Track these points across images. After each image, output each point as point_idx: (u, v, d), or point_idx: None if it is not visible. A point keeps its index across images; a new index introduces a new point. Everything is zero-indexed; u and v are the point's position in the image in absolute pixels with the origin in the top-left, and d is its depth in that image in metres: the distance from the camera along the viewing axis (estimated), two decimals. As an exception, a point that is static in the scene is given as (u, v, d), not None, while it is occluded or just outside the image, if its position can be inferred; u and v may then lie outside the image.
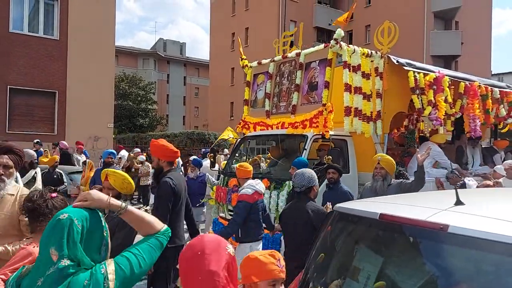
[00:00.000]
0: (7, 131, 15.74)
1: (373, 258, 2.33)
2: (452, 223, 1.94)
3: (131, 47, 54.98)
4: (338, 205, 2.76)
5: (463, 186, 6.50)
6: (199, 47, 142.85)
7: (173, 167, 4.40)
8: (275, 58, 8.07)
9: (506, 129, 9.59)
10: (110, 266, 1.66)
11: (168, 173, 4.25)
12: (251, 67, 8.71)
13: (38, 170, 8.13)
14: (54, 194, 2.52)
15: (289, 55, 7.74)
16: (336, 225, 2.68)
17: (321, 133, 6.56)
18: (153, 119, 41.75)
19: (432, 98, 7.03)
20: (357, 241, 2.54)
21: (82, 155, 13.61)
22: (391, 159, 5.34)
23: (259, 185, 5.31)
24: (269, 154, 8.93)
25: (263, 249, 5.31)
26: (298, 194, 4.35)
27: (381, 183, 5.08)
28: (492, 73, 39.07)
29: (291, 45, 8.23)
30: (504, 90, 8.91)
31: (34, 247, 2.32)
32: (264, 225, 5.52)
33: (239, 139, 8.68)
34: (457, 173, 7.33)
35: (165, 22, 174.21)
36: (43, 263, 1.61)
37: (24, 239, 3.14)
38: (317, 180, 4.53)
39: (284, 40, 8.41)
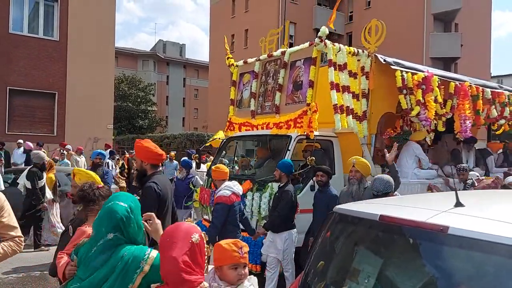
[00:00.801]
0: (6, 132, 15.72)
1: (373, 260, 2.32)
2: (452, 225, 1.94)
3: (131, 49, 54.99)
4: (337, 206, 2.76)
5: (472, 184, 6.47)
6: (199, 49, 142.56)
7: (158, 170, 4.15)
8: (261, 57, 7.92)
9: (501, 131, 9.40)
10: (153, 253, 2.14)
11: (152, 176, 3.98)
12: (237, 66, 8.55)
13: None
14: (100, 185, 3.09)
15: (275, 53, 7.58)
16: (336, 227, 2.68)
17: (305, 133, 6.41)
18: (153, 121, 41.79)
19: (421, 98, 6.86)
20: (357, 243, 2.54)
21: (82, 156, 13.60)
22: (366, 161, 5.21)
23: (236, 186, 5.20)
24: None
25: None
26: (375, 197, 4.60)
27: (357, 187, 5.00)
28: (492, 75, 39.07)
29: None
30: (496, 90, 8.69)
31: (86, 227, 2.83)
32: (242, 227, 5.43)
33: (224, 140, 8.50)
34: (465, 170, 7.20)
35: (165, 24, 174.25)
36: (96, 237, 2.16)
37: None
38: (393, 186, 4.62)
39: (270, 39, 8.22)
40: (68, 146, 13.92)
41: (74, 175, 3.69)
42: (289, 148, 6.41)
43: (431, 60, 28.81)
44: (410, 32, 29.30)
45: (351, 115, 6.50)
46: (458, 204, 2.21)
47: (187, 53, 70.17)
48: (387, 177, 4.61)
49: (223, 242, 2.19)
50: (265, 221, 5.82)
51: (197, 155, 8.94)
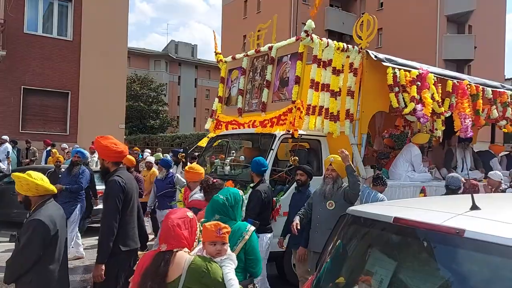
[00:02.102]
0: (20, 131, 15.93)
1: (387, 262, 2.30)
2: (469, 228, 1.91)
3: (143, 49, 55.31)
4: (351, 208, 2.73)
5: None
6: (211, 50, 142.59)
7: (121, 166, 4.07)
8: (249, 52, 7.69)
9: (506, 131, 8.91)
10: (251, 228, 3.16)
11: (116, 172, 3.93)
12: (225, 62, 8.33)
13: None
14: (215, 180, 4.30)
15: (262, 49, 7.33)
16: (348, 229, 2.66)
17: (289, 131, 6.14)
18: (164, 121, 41.93)
19: (416, 94, 6.45)
20: (370, 245, 2.52)
21: (95, 154, 13.56)
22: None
23: None
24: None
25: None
26: (453, 191, 5.31)
27: (331, 186, 4.76)
28: (506, 77, 38.61)
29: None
30: (498, 90, 8.18)
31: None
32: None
33: (210, 139, 8.16)
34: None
35: (177, 24, 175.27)
36: (206, 217, 3.21)
37: None
38: (462, 183, 5.40)
39: (258, 34, 7.92)
40: (64, 145, 13.65)
41: (15, 182, 3.33)
42: (273, 148, 6.15)
43: (444, 62, 28.57)
44: (423, 33, 29.08)
45: (322, 116, 6.22)
46: (474, 207, 2.18)
47: (198, 53, 70.45)
48: (457, 175, 5.75)
49: (207, 224, 2.68)
50: None
51: (183, 154, 8.72)
